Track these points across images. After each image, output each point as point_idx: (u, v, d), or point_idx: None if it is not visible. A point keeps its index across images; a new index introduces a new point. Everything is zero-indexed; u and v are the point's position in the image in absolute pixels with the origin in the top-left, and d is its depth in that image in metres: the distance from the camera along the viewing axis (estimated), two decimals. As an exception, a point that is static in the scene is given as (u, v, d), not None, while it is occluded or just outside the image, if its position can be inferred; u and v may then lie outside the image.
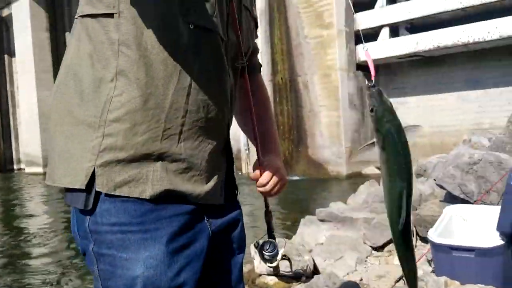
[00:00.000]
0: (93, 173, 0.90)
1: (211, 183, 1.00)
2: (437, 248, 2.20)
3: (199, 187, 0.97)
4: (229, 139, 1.09)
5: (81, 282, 4.49)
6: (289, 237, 4.38)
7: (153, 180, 0.91)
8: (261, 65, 1.32)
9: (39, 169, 19.22)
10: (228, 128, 1.07)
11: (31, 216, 9.05)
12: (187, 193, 0.95)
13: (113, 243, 0.91)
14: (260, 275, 3.52)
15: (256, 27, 1.25)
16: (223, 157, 1.06)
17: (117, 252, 0.91)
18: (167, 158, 0.93)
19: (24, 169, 21.24)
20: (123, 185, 0.90)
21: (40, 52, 19.82)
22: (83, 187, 0.91)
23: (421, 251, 3.76)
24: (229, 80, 1.05)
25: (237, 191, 1.15)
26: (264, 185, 1.10)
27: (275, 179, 1.11)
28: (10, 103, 23.04)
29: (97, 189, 0.90)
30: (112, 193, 0.90)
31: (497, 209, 2.31)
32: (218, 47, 1.00)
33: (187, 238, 0.96)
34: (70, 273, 4.81)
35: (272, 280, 3.43)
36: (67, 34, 20.77)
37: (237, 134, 12.72)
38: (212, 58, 0.99)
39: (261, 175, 1.10)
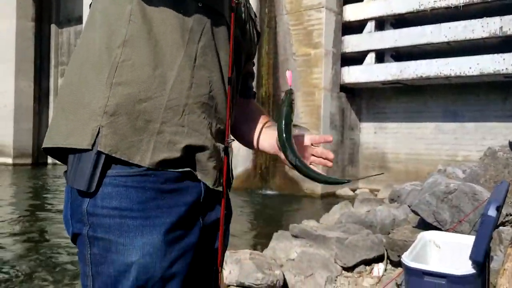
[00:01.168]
0: (98, 134, 0.90)
1: (211, 163, 0.99)
2: (410, 272, 2.21)
3: (199, 164, 0.97)
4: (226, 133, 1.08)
5: (46, 272, 4.36)
6: (260, 250, 4.35)
7: (154, 149, 0.91)
8: (255, 93, 1.35)
9: (9, 160, 18.72)
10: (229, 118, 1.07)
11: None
12: (186, 167, 0.95)
13: (111, 228, 0.90)
14: (228, 286, 3.48)
15: (257, 42, 1.30)
16: (222, 144, 1.05)
17: (114, 237, 0.90)
18: (169, 128, 0.93)
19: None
20: (124, 149, 0.90)
21: (23, 42, 19.40)
22: (90, 147, 0.90)
23: (390, 275, 3.79)
24: (233, 70, 1.06)
25: (229, 189, 1.13)
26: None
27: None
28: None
29: (98, 149, 0.90)
30: (113, 155, 0.90)
31: (470, 238, 2.34)
32: (224, 30, 1.03)
33: (183, 230, 0.96)
34: (33, 263, 4.67)
35: (241, 291, 3.40)
36: (52, 26, 20.47)
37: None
38: (217, 39, 1.01)
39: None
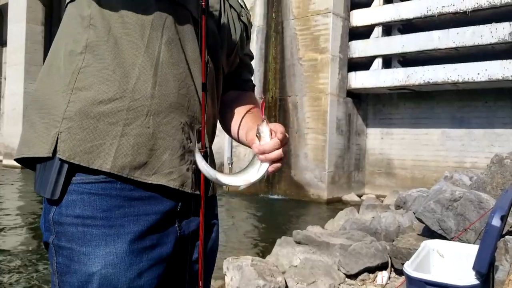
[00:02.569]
0: (57, 140, 0.88)
1: (183, 167, 0.94)
2: (412, 281, 2.17)
3: (167, 168, 0.91)
4: (202, 140, 1.02)
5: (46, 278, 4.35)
6: (263, 256, 4.32)
7: (116, 153, 0.87)
8: (254, 85, 1.29)
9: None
10: (204, 125, 1.00)
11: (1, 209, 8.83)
12: (151, 171, 0.90)
13: (74, 236, 0.87)
14: (230, 292, 3.44)
15: (247, 36, 1.22)
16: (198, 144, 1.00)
17: (76, 245, 0.87)
18: (133, 130, 0.89)
19: (1, 160, 20.78)
20: (84, 154, 0.87)
21: (32, 45, 19.58)
22: (50, 154, 0.88)
23: (394, 283, 3.74)
24: (208, 66, 1.02)
25: (213, 191, 1.08)
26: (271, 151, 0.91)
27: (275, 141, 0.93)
28: (-5, 92, 22.70)
29: (57, 155, 0.87)
30: (72, 161, 0.87)
31: (474, 248, 2.30)
32: (189, 24, 0.98)
33: (154, 240, 0.92)
34: (37, 267, 4.67)
35: (242, 298, 3.36)
36: (61, 30, 20.60)
37: (221, 148, 12.68)
38: (181, 33, 0.96)
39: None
